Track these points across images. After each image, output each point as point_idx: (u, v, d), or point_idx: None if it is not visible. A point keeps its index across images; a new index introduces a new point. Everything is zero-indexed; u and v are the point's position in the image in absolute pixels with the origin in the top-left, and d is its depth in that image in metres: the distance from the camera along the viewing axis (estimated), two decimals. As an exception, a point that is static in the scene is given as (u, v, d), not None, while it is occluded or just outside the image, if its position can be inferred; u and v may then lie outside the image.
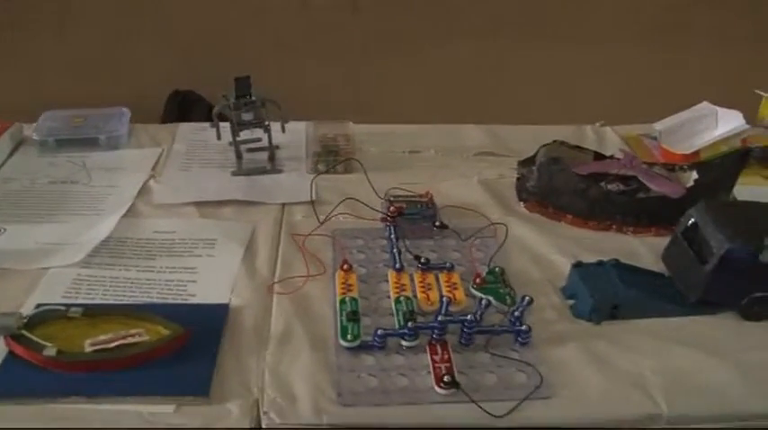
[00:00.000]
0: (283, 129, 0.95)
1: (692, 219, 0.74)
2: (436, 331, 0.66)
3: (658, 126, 1.01)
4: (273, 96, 0.94)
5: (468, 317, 0.66)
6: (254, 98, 0.92)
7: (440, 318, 0.66)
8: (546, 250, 0.81)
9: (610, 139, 1.07)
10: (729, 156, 0.84)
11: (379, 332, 0.66)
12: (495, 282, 0.74)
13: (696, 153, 0.94)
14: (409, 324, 0.66)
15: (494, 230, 0.83)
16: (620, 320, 0.71)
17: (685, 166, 0.88)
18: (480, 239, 0.82)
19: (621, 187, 0.85)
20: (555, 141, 0.90)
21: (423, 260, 0.76)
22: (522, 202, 0.89)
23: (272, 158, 0.98)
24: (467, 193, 0.90)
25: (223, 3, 1.88)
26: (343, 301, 0.71)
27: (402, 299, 0.71)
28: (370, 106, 1.41)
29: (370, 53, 1.88)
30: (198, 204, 0.89)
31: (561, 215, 0.85)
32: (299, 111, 0.99)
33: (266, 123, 0.95)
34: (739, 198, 0.92)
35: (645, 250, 0.81)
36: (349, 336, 0.66)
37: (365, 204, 0.85)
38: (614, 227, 0.84)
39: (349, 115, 1.07)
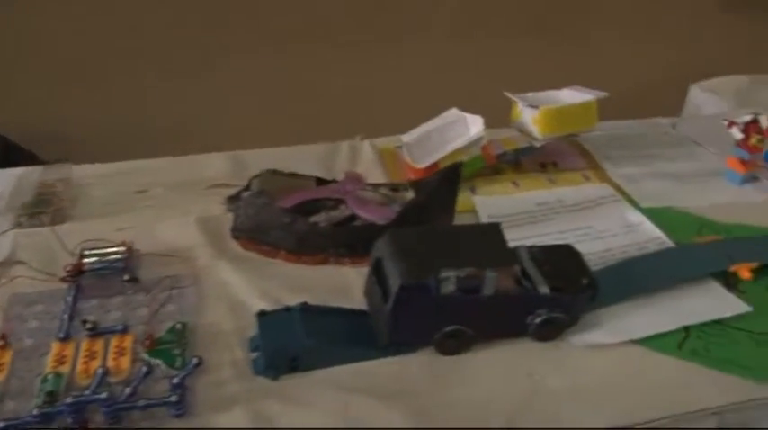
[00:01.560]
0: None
1: (378, 253, 0.68)
2: (71, 414, 0.59)
3: (406, 137, 0.95)
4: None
5: (104, 394, 0.58)
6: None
7: (69, 400, 0.58)
8: (248, 296, 0.73)
9: (365, 155, 1.01)
10: (442, 172, 0.79)
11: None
12: (172, 342, 0.67)
13: (435, 165, 0.88)
14: (35, 410, 0.58)
15: (194, 278, 0.76)
16: (302, 373, 0.65)
17: (408, 185, 0.82)
18: (178, 290, 0.74)
19: (337, 215, 0.79)
20: (267, 170, 0.82)
21: (89, 324, 0.67)
22: (236, 240, 0.82)
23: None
24: (180, 235, 0.82)
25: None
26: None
27: (50, 376, 0.63)
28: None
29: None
30: None
31: (275, 252, 0.78)
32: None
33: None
34: (484, 208, 0.88)
35: (362, 283, 0.76)
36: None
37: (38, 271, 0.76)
38: (332, 259, 0.78)
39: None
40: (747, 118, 0.94)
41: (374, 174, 0.96)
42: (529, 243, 0.80)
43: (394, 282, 0.64)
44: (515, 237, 0.83)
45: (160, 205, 0.89)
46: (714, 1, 1.71)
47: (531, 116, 0.92)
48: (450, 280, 0.64)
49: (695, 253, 0.81)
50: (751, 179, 0.97)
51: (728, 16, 1.68)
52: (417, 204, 0.77)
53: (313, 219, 0.81)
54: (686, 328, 0.71)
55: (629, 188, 0.94)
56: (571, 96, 0.96)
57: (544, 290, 0.67)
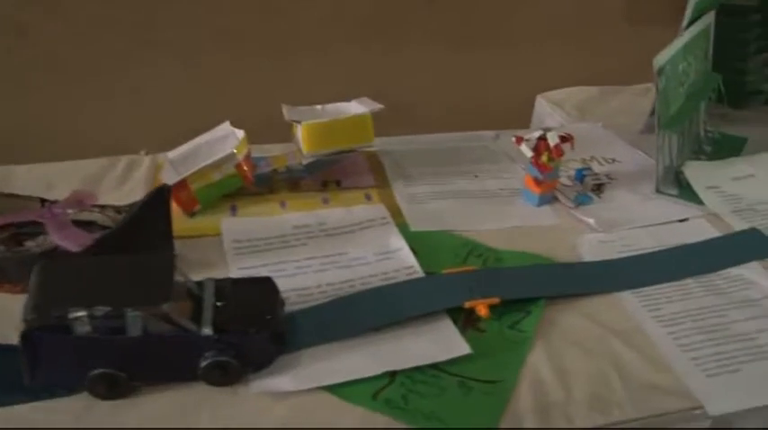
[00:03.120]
0: None
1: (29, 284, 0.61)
2: None
3: (171, 154, 0.88)
4: None
5: None
6: None
7: None
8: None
9: (139, 172, 0.92)
10: (147, 195, 0.71)
11: None
12: None
13: (183, 183, 0.80)
14: None
15: None
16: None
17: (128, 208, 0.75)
18: None
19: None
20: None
21: None
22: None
23: None
24: None
25: None
26: None
27: None
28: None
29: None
30: None
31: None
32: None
33: None
34: (230, 232, 0.80)
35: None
36: None
37: None
38: (30, 288, 0.71)
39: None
40: (537, 134, 0.86)
41: (141, 192, 0.89)
42: (266, 271, 0.74)
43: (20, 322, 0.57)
44: (254, 264, 0.76)
45: None
46: (620, 14, 1.62)
47: (299, 131, 0.85)
48: (83, 319, 0.56)
49: (435, 285, 0.72)
50: (550, 200, 0.90)
51: (636, 28, 1.60)
52: (116, 230, 0.69)
53: (28, 244, 0.74)
54: (393, 374, 0.63)
55: (406, 209, 0.86)
56: (354, 109, 0.89)
57: (207, 331, 0.59)
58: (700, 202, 0.91)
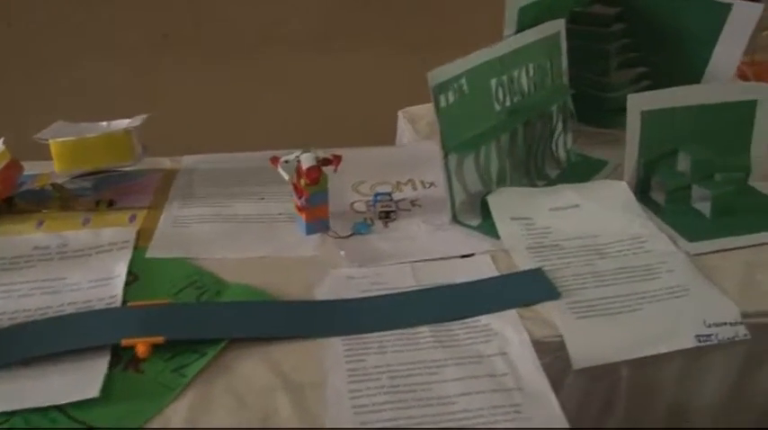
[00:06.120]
0: None
1: None
2: None
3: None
4: None
5: None
6: None
7: None
8: None
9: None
10: None
11: None
12: None
13: None
14: None
15: None
16: None
17: None
18: None
19: None
20: None
21: None
22: None
23: None
24: None
25: None
26: None
27: None
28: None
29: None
30: None
31: None
32: None
33: None
34: None
35: None
36: None
37: None
38: None
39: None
40: (294, 155, 0.78)
41: None
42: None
43: None
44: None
45: None
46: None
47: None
48: None
49: (104, 320, 0.66)
50: (324, 228, 0.81)
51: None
52: None
53: None
54: (12, 413, 0.57)
55: (158, 233, 0.80)
56: (114, 127, 0.84)
57: None
58: (498, 236, 0.80)
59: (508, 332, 0.67)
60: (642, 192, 0.89)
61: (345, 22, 1.71)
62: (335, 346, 0.66)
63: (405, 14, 1.75)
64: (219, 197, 0.88)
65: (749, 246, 0.80)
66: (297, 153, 0.78)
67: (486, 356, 0.65)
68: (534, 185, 0.90)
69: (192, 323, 0.66)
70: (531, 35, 0.88)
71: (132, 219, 0.83)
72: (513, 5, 0.86)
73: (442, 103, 0.78)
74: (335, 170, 0.78)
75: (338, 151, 0.81)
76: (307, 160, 0.76)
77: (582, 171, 0.94)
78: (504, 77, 0.85)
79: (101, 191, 0.88)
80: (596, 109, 0.92)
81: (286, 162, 0.78)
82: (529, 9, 0.87)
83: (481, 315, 0.69)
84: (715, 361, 0.70)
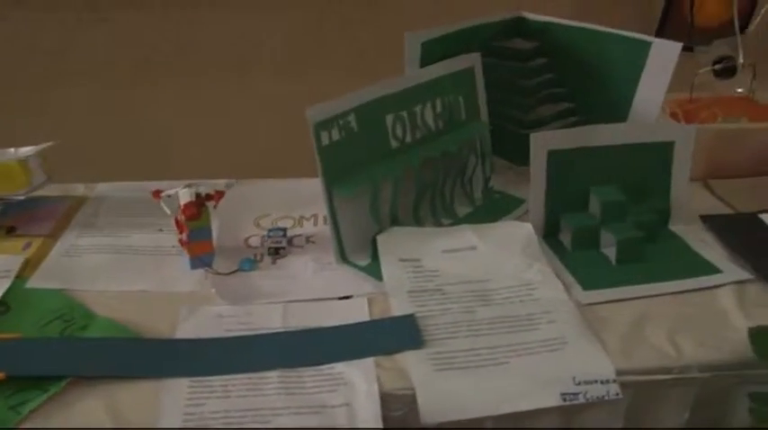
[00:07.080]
0: None
1: None
2: None
3: None
4: None
5: None
6: None
7: None
8: None
9: None
10: None
11: None
12: None
13: None
14: None
15: None
16: None
17: None
18: None
19: None
20: None
21: None
22: None
23: None
24: None
25: None
26: None
27: None
28: None
29: None
30: None
31: None
32: None
33: None
34: None
35: None
36: None
37: None
38: None
39: None
40: (176, 190, 0.77)
41: None
42: None
43: None
44: None
45: None
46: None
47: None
48: None
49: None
50: (210, 262, 0.80)
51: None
52: None
53: None
54: None
55: (45, 263, 0.80)
56: (21, 154, 0.85)
57: None
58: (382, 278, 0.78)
59: (358, 381, 0.64)
60: (551, 234, 0.86)
61: (322, 47, 1.71)
62: (180, 388, 0.64)
63: (386, 39, 1.73)
64: (121, 227, 0.88)
65: (645, 297, 0.76)
66: (177, 188, 0.77)
67: (329, 407, 0.63)
68: (439, 224, 0.87)
69: (36, 359, 0.66)
70: (439, 69, 0.86)
71: (27, 246, 0.84)
72: (414, 41, 0.84)
73: (324, 141, 0.76)
74: (215, 206, 0.77)
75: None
76: (184, 196, 0.75)
77: (496, 209, 0.90)
78: (404, 113, 0.83)
79: (3, 217, 0.88)
80: (518, 145, 0.89)
81: (168, 196, 0.77)
82: (433, 44, 0.84)
83: (337, 362, 0.67)
84: (588, 420, 0.67)
